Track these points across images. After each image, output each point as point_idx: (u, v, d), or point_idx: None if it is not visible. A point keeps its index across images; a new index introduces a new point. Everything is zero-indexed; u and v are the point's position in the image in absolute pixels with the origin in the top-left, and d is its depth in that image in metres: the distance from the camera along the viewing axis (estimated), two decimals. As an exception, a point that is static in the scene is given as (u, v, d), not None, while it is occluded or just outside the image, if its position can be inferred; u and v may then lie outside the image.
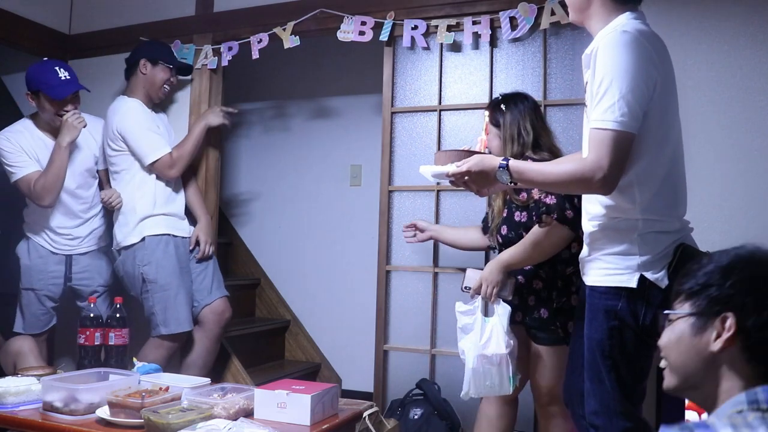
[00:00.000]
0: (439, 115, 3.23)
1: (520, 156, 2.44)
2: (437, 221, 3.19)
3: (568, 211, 2.33)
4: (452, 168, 1.87)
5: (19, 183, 3.14)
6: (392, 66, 3.33)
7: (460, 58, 3.21)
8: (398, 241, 3.27)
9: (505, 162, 1.80)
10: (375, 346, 3.30)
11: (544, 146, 2.52)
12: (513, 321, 2.48)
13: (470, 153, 1.91)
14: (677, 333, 1.20)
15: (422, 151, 3.24)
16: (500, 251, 2.60)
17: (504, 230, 2.55)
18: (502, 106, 2.54)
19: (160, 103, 3.47)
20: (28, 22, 3.74)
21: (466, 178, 1.86)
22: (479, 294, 2.47)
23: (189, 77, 3.57)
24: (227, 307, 3.30)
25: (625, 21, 1.78)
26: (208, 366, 3.25)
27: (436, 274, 3.21)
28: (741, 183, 2.63)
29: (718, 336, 1.12)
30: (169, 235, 3.18)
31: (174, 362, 3.22)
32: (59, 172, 3.10)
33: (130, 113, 3.20)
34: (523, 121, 2.51)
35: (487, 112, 2.43)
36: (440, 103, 3.23)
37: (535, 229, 2.39)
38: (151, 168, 3.19)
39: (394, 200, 3.32)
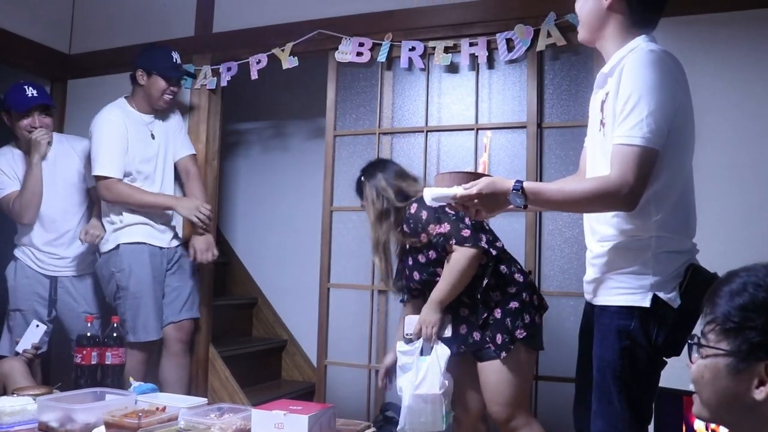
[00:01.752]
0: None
1: (388, 212, 2.68)
2: None
3: (464, 230, 2.49)
4: (460, 191, 1.79)
5: (0, 202, 3.23)
6: (336, 90, 3.43)
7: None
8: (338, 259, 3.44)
9: (519, 184, 1.74)
10: (317, 362, 3.44)
11: (411, 193, 2.69)
12: (453, 353, 2.57)
13: (476, 175, 1.84)
14: (712, 371, 1.11)
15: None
16: (414, 296, 2.75)
17: (416, 276, 2.66)
18: (362, 178, 2.79)
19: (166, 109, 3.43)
20: (29, 42, 3.76)
21: (475, 201, 1.79)
22: (420, 337, 2.57)
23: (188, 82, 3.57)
24: (191, 328, 3.32)
25: (644, 43, 1.79)
26: (181, 381, 3.24)
27: (373, 292, 3.35)
28: (738, 203, 2.65)
29: (762, 383, 1.05)
30: (144, 243, 3.20)
31: (152, 371, 3.23)
32: (34, 188, 3.20)
33: (101, 123, 3.22)
34: (379, 182, 2.72)
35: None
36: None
37: (449, 260, 2.53)
38: (95, 185, 3.22)
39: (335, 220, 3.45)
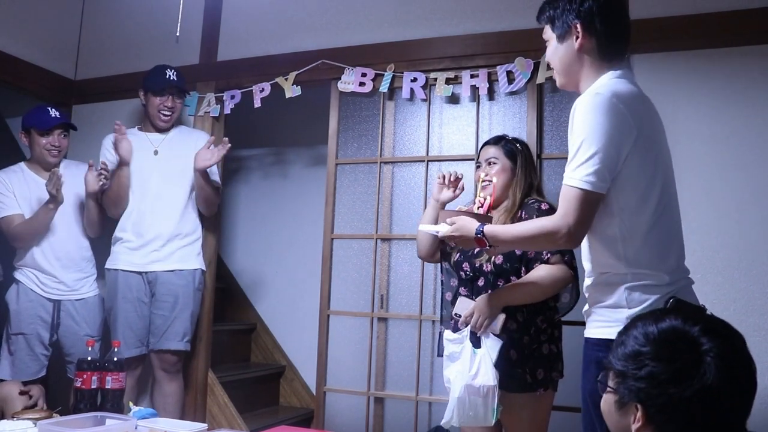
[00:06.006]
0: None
1: (529, 193, 2.50)
2: (375, 266, 3.37)
3: (567, 255, 2.35)
4: (442, 228, 2.00)
5: (0, 221, 3.28)
6: (338, 119, 3.49)
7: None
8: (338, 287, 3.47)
9: (480, 228, 1.95)
10: (315, 388, 3.47)
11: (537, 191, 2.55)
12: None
13: (466, 214, 2.02)
14: (607, 405, 1.37)
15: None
16: (476, 279, 2.48)
17: (499, 260, 2.42)
18: (518, 145, 2.57)
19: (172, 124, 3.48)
20: (35, 67, 3.82)
21: (453, 241, 2.02)
22: (468, 324, 2.35)
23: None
24: (174, 359, 3.30)
25: (605, 81, 1.82)
26: (166, 408, 3.20)
27: (373, 319, 3.36)
28: (734, 234, 2.68)
29: (635, 419, 1.28)
30: (116, 270, 3.32)
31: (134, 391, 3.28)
32: (39, 228, 3.27)
33: None
34: (533, 160, 2.60)
35: (493, 169, 2.46)
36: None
37: (540, 269, 2.35)
38: None
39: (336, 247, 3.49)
